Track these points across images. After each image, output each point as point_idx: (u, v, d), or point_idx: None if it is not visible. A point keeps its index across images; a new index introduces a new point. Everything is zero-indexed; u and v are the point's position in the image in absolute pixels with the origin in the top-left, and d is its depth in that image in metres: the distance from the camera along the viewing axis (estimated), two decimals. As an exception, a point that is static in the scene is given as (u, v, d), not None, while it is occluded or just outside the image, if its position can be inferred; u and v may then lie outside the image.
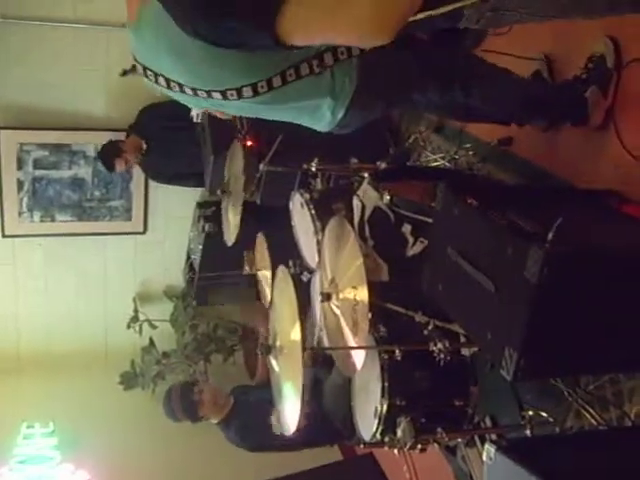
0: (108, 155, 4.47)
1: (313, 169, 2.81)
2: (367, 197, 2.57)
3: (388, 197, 2.42)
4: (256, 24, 1.24)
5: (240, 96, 1.58)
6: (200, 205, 4.53)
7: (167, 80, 1.62)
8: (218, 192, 3.41)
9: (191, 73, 1.58)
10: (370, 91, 1.76)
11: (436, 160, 3.25)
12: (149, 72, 1.64)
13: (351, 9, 1.19)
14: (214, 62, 1.52)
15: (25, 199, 4.96)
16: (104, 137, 4.67)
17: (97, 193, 5.10)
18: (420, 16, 1.31)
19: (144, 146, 4.46)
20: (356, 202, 2.64)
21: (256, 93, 1.58)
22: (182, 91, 1.62)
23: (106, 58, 4.42)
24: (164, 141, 4.38)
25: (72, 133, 4.91)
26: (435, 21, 1.39)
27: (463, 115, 2.59)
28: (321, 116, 1.78)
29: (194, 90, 1.61)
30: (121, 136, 4.59)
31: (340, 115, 1.77)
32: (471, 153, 3.12)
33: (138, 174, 4.94)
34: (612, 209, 2.38)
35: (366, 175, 2.61)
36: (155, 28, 1.52)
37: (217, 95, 1.60)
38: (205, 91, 1.60)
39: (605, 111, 2.55)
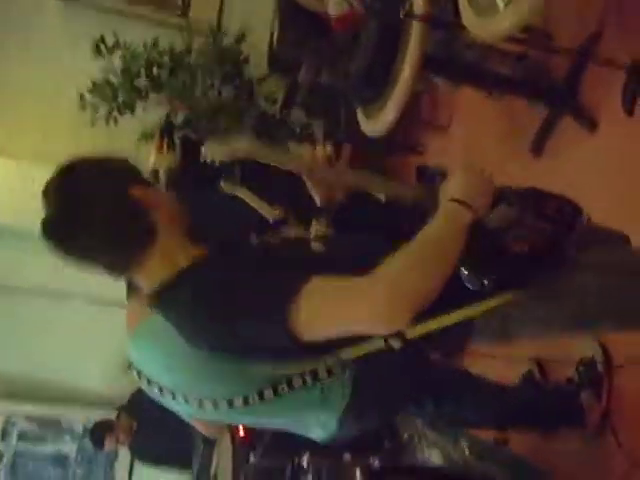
0: (99, 433, 4.37)
1: (304, 463, 2.73)
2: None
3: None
4: (269, 322, 1.26)
5: (231, 406, 1.62)
6: (185, 494, 4.33)
7: (160, 388, 1.67)
8: (204, 481, 3.28)
9: (184, 384, 1.63)
10: (364, 404, 1.77)
11: (431, 456, 3.15)
12: (143, 377, 1.69)
13: (363, 297, 1.22)
14: (210, 375, 1.58)
15: (2, 473, 4.76)
16: (94, 414, 4.61)
17: (79, 471, 4.92)
18: (433, 325, 1.34)
19: (134, 426, 4.39)
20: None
21: (247, 404, 1.61)
22: (174, 398, 1.65)
23: (104, 333, 4.51)
24: (155, 422, 4.30)
25: (62, 408, 4.85)
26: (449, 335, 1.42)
27: (458, 424, 2.62)
28: (313, 427, 1.77)
29: (185, 398, 1.64)
30: (112, 414, 4.52)
31: (333, 427, 1.76)
32: (467, 450, 3.04)
33: (124, 453, 4.78)
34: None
35: (358, 473, 2.53)
36: (153, 341, 1.60)
37: (208, 405, 1.64)
38: (197, 400, 1.64)
39: (601, 414, 2.54)
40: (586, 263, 1.52)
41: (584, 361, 2.60)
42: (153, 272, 1.37)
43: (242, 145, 1.54)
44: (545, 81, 3.11)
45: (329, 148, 1.55)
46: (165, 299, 1.37)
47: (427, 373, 1.97)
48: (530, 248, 1.44)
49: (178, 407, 1.71)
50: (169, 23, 4.85)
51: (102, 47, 4.31)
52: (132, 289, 1.86)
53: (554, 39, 3.11)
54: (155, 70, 4.32)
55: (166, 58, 4.35)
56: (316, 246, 1.59)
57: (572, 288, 1.50)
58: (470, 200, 1.37)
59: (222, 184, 2.72)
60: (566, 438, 2.65)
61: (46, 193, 1.36)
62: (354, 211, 1.64)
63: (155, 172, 2.33)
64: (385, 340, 1.34)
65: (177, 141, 2.58)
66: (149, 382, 1.68)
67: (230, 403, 1.61)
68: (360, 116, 2.99)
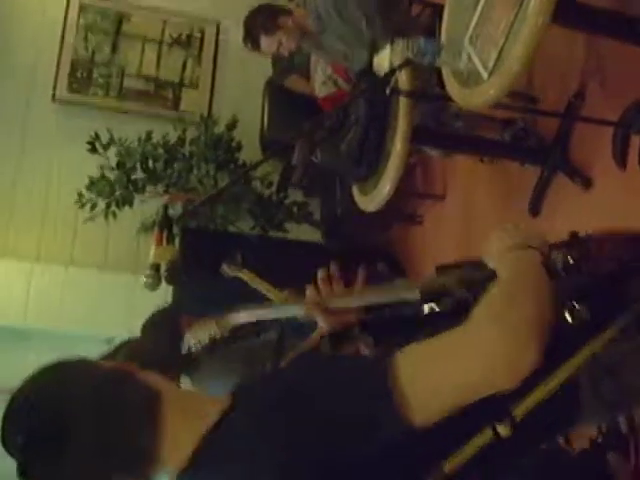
0: None
1: None
2: None
3: None
4: (376, 415, 1.02)
5: None
6: None
7: None
8: None
9: None
10: None
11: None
12: None
13: (473, 341, 1.02)
14: None
15: None
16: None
17: None
18: (539, 395, 1.17)
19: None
20: None
21: None
22: None
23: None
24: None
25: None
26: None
27: None
28: None
29: None
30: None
31: None
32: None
33: None
34: None
35: None
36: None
37: None
38: None
39: (631, 475, 2.45)
40: None
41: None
42: (180, 440, 1.10)
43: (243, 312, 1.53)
44: (535, 143, 3.14)
45: (333, 269, 1.48)
46: (210, 454, 1.09)
47: None
48: (620, 264, 1.30)
49: None
50: (161, 116, 4.95)
51: (97, 144, 4.38)
52: None
53: (539, 101, 3.17)
54: (150, 163, 4.39)
55: (160, 150, 4.41)
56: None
57: None
58: (528, 241, 1.24)
59: (223, 267, 2.71)
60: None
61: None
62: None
63: (156, 266, 2.33)
64: (493, 429, 1.14)
65: (176, 232, 2.59)
66: None
67: None
68: (356, 193, 3.02)
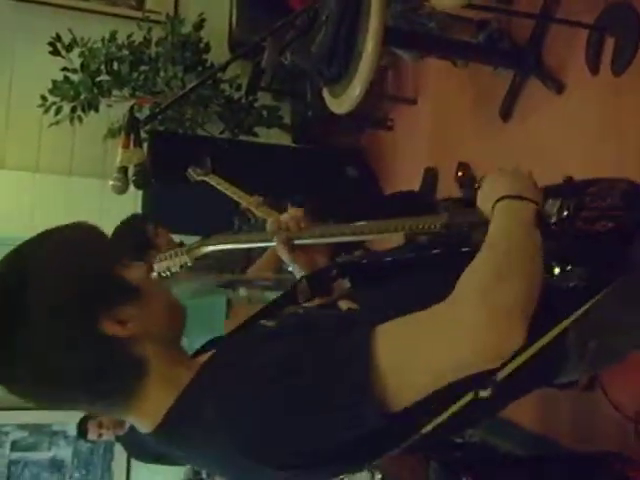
0: (84, 422, 4.31)
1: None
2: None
3: (380, 476, 2.31)
4: (349, 404, 0.95)
5: None
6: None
7: None
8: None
9: None
10: None
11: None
12: None
13: (456, 326, 0.94)
14: None
15: (-3, 485, 4.72)
16: (86, 416, 4.55)
17: (77, 474, 4.87)
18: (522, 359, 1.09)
19: (127, 423, 4.35)
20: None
21: None
22: None
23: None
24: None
25: (53, 412, 4.79)
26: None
27: None
28: None
29: None
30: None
31: None
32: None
33: (120, 453, 4.74)
34: (617, 474, 2.29)
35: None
36: None
37: None
38: None
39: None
40: None
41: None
42: (156, 403, 1.06)
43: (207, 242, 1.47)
44: (509, 45, 3.09)
45: (298, 211, 1.37)
46: (176, 429, 1.06)
47: None
48: (615, 224, 1.18)
49: None
50: (125, 16, 4.77)
51: (58, 46, 4.23)
52: None
53: (514, 2, 3.10)
54: (115, 65, 4.26)
55: (125, 52, 4.28)
56: (347, 305, 1.29)
57: None
58: (523, 192, 1.15)
59: (189, 172, 2.64)
60: (559, 398, 2.67)
61: None
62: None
63: (123, 169, 2.29)
64: (475, 394, 1.08)
65: (144, 135, 2.54)
66: None
67: None
68: (326, 95, 2.96)
